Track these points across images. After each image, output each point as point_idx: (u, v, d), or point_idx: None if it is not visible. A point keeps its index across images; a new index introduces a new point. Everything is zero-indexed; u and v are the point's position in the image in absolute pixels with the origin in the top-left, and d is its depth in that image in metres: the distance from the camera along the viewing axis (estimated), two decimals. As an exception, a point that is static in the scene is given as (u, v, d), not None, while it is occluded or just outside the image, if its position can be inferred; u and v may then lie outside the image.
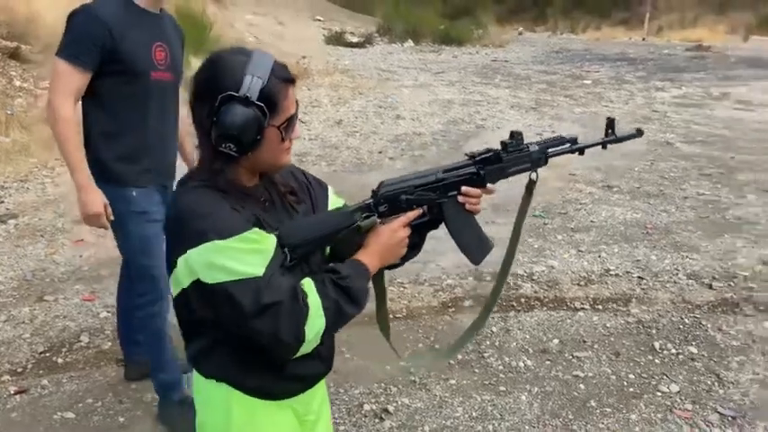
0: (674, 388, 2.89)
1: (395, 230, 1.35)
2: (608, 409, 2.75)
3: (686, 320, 3.44)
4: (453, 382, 2.92)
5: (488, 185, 1.43)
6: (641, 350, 3.18)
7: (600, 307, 3.62)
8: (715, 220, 5.00)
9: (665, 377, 2.97)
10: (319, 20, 20.68)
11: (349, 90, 10.58)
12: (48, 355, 3.06)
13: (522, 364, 3.06)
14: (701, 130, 8.44)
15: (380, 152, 7.02)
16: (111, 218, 2.29)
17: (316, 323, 1.20)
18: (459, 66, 14.81)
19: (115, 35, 2.16)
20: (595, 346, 3.21)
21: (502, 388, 2.88)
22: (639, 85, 12.36)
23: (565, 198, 5.56)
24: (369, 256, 1.32)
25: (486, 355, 3.12)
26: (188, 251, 1.17)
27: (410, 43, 19.13)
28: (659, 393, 2.86)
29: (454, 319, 3.48)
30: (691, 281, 3.92)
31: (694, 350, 3.17)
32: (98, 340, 3.19)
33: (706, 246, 4.47)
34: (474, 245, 1.45)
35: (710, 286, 3.83)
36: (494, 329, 3.35)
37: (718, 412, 2.72)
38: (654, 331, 3.34)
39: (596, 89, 11.85)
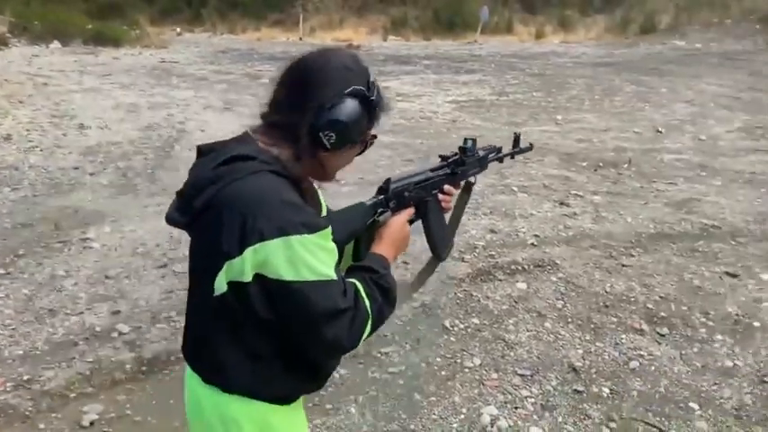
0: (477, 361, 3.03)
1: (404, 224, 1.36)
2: (433, 398, 2.76)
3: (459, 295, 3.65)
4: (276, 414, 2.58)
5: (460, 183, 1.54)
6: (435, 332, 3.27)
7: (381, 298, 3.61)
8: (435, 200, 5.45)
9: (465, 353, 3.10)
10: (-74, 17, 16.80)
11: (4, 99, 8.77)
12: None
13: (336, 374, 2.87)
14: (382, 122, 9.17)
15: (77, 168, 5.98)
16: None
17: (368, 328, 1.15)
18: (125, 67, 13.55)
19: None
20: (397, 338, 3.20)
21: (328, 406, 2.66)
22: (313, 82, 12.91)
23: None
24: (387, 250, 1.29)
25: (298, 374, 2.85)
26: (266, 241, 1.04)
27: (57, 44, 16.81)
28: (467, 369, 2.96)
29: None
30: (444, 257, 4.18)
31: (477, 321, 3.38)
32: None
33: (440, 223, 4.83)
34: (444, 241, 1.56)
35: (463, 259, 4.14)
36: (294, 345, 3.08)
37: (518, 374, 2.94)
38: (438, 311, 3.46)
39: (276, 87, 12.02)
